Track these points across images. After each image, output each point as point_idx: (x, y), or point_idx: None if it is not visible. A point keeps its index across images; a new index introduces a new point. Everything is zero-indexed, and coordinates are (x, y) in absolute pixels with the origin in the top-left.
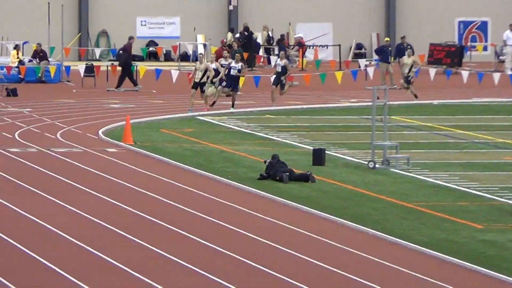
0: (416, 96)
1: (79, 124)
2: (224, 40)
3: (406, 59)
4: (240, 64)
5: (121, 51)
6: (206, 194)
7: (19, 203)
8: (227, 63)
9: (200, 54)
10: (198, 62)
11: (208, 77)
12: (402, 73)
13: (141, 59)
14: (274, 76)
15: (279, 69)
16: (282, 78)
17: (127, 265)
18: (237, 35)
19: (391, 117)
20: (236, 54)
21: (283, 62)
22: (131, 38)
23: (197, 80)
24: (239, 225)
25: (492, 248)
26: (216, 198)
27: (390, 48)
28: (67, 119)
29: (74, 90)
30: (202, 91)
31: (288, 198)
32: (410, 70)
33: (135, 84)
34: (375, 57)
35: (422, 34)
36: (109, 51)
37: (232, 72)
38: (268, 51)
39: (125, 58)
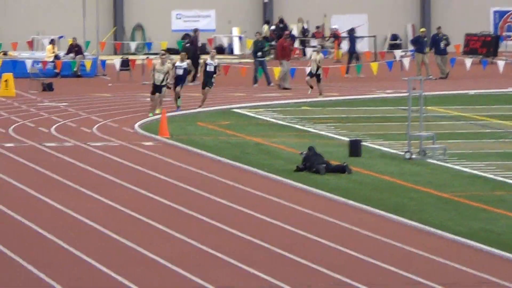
0: (320, 94)
1: (115, 118)
2: (288, 32)
3: (315, 56)
4: (185, 62)
5: (187, 44)
6: (243, 186)
7: (56, 197)
8: (182, 64)
9: (164, 55)
10: (158, 63)
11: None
12: (312, 69)
13: (176, 52)
14: (205, 76)
15: (211, 68)
16: (214, 77)
17: (164, 258)
18: (273, 27)
19: (427, 107)
20: (181, 53)
21: (215, 61)
22: (196, 30)
23: (157, 83)
24: (276, 217)
25: None
26: (252, 191)
27: (426, 39)
28: (103, 113)
29: (109, 84)
30: (160, 92)
31: (325, 189)
32: (318, 67)
33: (194, 79)
34: (411, 47)
35: (458, 24)
36: (144, 45)
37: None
38: (303, 43)
39: (193, 51)
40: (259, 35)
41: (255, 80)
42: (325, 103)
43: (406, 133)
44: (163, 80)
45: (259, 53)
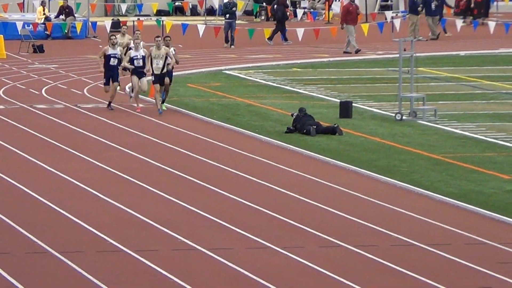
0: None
1: None
2: None
3: (121, 38)
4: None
5: (275, 6)
6: (233, 148)
7: (46, 159)
8: (136, 54)
9: (158, 37)
10: (154, 48)
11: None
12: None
13: (167, 13)
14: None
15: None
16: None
17: (155, 220)
18: None
19: (418, 68)
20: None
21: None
22: None
23: (157, 72)
24: (266, 179)
25: None
26: (243, 152)
27: (417, 0)
28: (94, 75)
29: (100, 46)
30: (162, 85)
31: (315, 151)
32: (126, 51)
33: (285, 39)
34: (401, 8)
35: None
36: (135, 6)
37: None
38: (294, 4)
39: (283, 12)
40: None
41: (226, 40)
42: (316, 65)
43: (397, 94)
44: (163, 67)
45: (227, 15)
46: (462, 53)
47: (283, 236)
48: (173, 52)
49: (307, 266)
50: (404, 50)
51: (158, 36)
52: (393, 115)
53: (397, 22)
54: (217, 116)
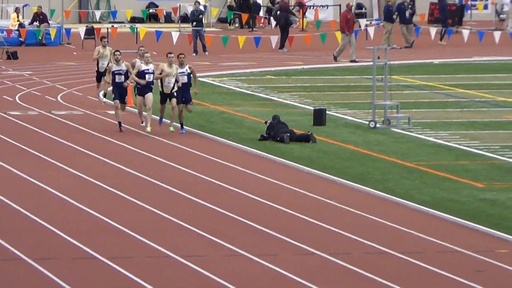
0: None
1: (80, 86)
2: (351, 4)
3: (103, 50)
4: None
5: (278, 12)
6: (207, 155)
7: (20, 166)
8: (148, 67)
9: (171, 54)
10: (166, 65)
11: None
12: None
13: (141, 21)
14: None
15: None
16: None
17: (129, 227)
18: None
19: (392, 76)
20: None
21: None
22: None
23: (167, 91)
24: (240, 187)
25: (492, 207)
26: (217, 159)
27: (392, 8)
28: (68, 81)
29: (74, 53)
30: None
31: (289, 158)
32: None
33: (282, 46)
34: (375, 16)
35: None
36: (109, 13)
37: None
38: (270, 12)
39: (285, 18)
40: (197, 5)
41: (195, 51)
42: (290, 72)
43: (371, 102)
44: (173, 86)
45: (194, 23)
46: (436, 61)
47: (257, 244)
48: (188, 71)
49: (281, 273)
50: (378, 58)
51: (170, 53)
52: (367, 123)
53: (371, 30)
54: (191, 123)
